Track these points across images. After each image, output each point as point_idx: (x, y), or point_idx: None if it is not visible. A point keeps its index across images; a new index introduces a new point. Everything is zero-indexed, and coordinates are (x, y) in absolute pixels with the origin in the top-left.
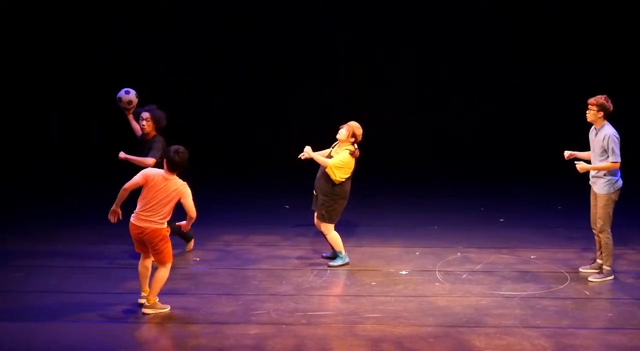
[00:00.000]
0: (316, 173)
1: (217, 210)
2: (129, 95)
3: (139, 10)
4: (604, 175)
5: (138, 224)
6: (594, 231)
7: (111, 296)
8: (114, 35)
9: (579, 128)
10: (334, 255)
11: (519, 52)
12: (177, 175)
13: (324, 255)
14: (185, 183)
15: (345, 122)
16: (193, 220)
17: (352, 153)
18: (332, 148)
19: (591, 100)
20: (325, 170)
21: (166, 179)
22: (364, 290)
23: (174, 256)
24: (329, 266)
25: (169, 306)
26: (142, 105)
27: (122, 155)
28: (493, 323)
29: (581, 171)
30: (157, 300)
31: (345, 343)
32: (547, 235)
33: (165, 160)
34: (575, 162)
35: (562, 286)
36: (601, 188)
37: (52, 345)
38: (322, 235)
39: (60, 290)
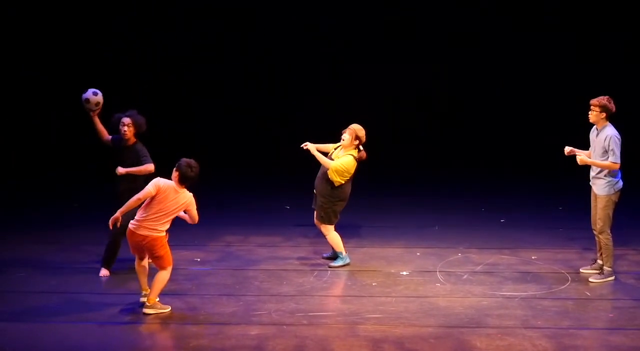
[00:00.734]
0: (316, 173)
1: (218, 211)
2: (97, 96)
3: (139, 10)
4: (604, 176)
5: (140, 233)
6: (594, 232)
7: (112, 296)
8: (114, 35)
9: (581, 128)
10: (335, 256)
11: (519, 49)
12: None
13: (325, 255)
14: (192, 194)
15: (345, 125)
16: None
17: (356, 158)
18: (335, 149)
19: (594, 101)
20: (327, 171)
21: (177, 192)
22: (365, 290)
23: (175, 257)
24: (330, 267)
25: (170, 307)
26: (121, 109)
27: (120, 170)
28: (494, 323)
29: (580, 163)
30: (158, 300)
31: (346, 344)
32: (548, 236)
33: (178, 173)
34: (577, 155)
35: (563, 286)
36: (601, 189)
37: (53, 346)
38: (322, 235)
39: (62, 290)
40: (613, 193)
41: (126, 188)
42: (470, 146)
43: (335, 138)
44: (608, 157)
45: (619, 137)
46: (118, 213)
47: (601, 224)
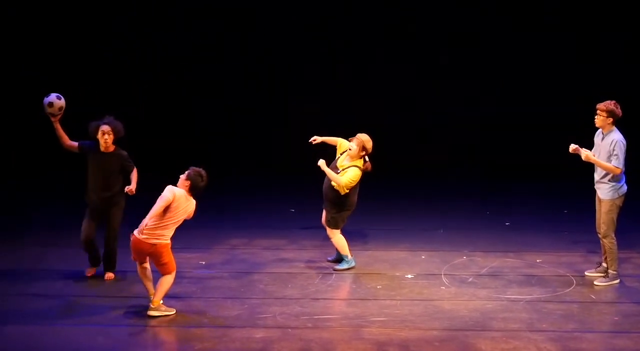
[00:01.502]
0: (320, 175)
1: (223, 214)
2: (61, 101)
3: (139, 10)
4: (608, 180)
5: (148, 242)
6: (598, 235)
7: (116, 299)
8: (114, 36)
9: (585, 129)
10: (339, 259)
11: (522, 48)
12: None
13: (329, 258)
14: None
15: (346, 125)
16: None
17: (362, 169)
18: (340, 155)
19: (600, 106)
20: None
21: (187, 199)
22: (369, 293)
23: (179, 260)
24: (335, 270)
25: (174, 309)
26: (121, 110)
27: (131, 189)
28: (499, 326)
29: (585, 159)
30: (162, 302)
31: (351, 347)
32: (552, 239)
33: (189, 183)
34: (582, 151)
35: (568, 290)
36: (605, 193)
37: (57, 348)
38: (327, 237)
39: (66, 293)
40: (617, 198)
41: (106, 196)
42: (475, 148)
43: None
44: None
45: (624, 142)
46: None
47: (605, 228)
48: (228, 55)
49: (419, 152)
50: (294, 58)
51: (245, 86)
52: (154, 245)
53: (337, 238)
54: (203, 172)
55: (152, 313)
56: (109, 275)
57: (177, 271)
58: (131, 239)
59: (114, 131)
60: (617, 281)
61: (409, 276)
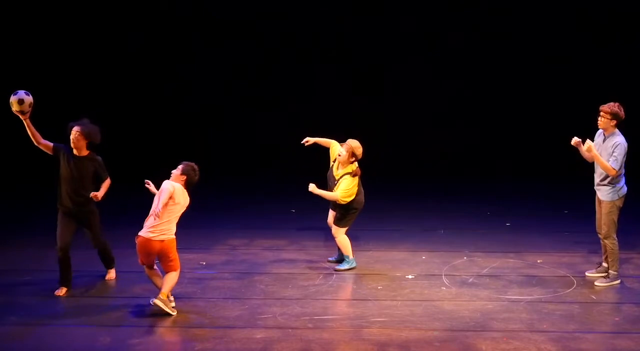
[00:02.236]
0: (322, 175)
1: (223, 214)
2: (30, 97)
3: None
4: (608, 183)
5: (157, 239)
6: (599, 235)
7: (119, 300)
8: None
9: (588, 133)
10: (340, 259)
11: (521, 51)
12: None
13: (330, 259)
14: None
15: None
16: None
17: (353, 175)
18: (333, 162)
19: (604, 108)
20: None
21: (184, 193)
22: (370, 294)
23: (180, 260)
24: (336, 270)
25: (176, 311)
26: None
27: (96, 194)
28: (499, 327)
29: (586, 149)
30: (172, 300)
31: (352, 347)
32: (553, 239)
33: (185, 178)
34: (587, 141)
35: (569, 290)
36: (605, 195)
37: (58, 349)
38: (329, 238)
39: (68, 294)
40: (617, 199)
41: (80, 202)
42: (476, 150)
43: (338, 139)
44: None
45: (626, 146)
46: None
47: (606, 229)
48: (230, 59)
49: (421, 153)
50: (299, 58)
51: (250, 86)
52: (163, 241)
53: (342, 238)
54: (195, 166)
55: (157, 302)
56: (111, 275)
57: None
58: (137, 241)
59: (84, 133)
60: (618, 281)
61: (410, 276)
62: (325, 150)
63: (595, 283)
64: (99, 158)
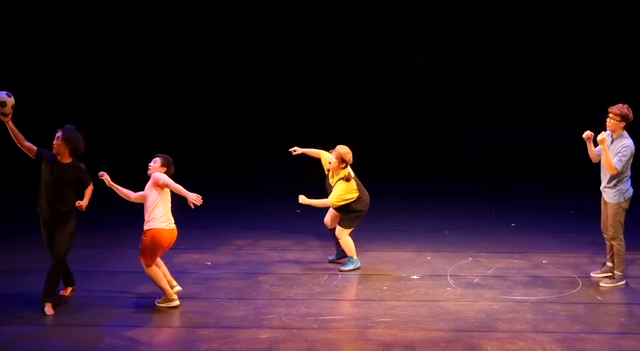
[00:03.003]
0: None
1: (228, 215)
2: (12, 98)
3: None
4: (614, 185)
5: (174, 226)
6: (604, 236)
7: (122, 300)
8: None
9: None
10: (339, 257)
11: (521, 51)
12: None
13: (330, 258)
14: None
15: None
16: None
17: (346, 180)
18: (327, 172)
19: (613, 109)
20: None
21: None
22: (375, 294)
23: (185, 260)
24: (341, 270)
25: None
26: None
27: (82, 204)
28: (504, 327)
29: (599, 140)
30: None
31: (357, 348)
32: (558, 240)
33: (166, 169)
34: (603, 132)
35: (574, 291)
36: (611, 197)
37: (64, 349)
38: (333, 238)
39: (72, 293)
40: (623, 201)
41: (57, 211)
42: (481, 150)
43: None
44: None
45: (634, 148)
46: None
47: (613, 231)
48: (230, 60)
49: (425, 153)
50: (294, 58)
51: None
52: (175, 228)
53: (346, 239)
54: (170, 158)
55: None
56: (67, 291)
57: (182, 273)
58: (164, 234)
59: (65, 139)
60: (623, 282)
61: (415, 277)
62: (309, 160)
63: (601, 284)
64: (83, 165)
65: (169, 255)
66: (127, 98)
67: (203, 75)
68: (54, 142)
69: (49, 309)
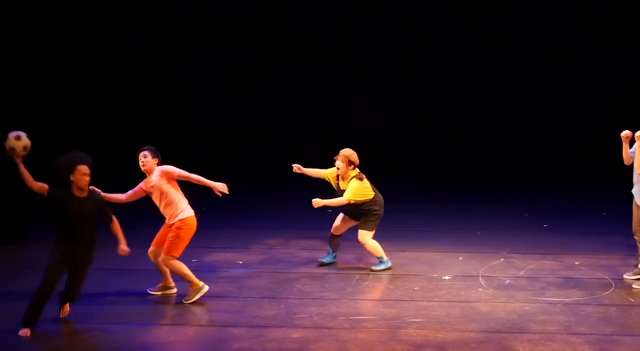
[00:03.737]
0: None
1: (259, 215)
2: (28, 141)
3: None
4: None
5: None
6: (635, 237)
7: (151, 297)
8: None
9: (589, 132)
10: (333, 261)
11: (522, 51)
12: None
13: (322, 260)
14: None
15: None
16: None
17: (359, 178)
18: (337, 181)
19: None
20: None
21: None
22: (406, 294)
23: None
24: (372, 270)
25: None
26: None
27: (127, 250)
28: (536, 329)
29: (637, 138)
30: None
31: (388, 348)
32: (591, 241)
33: (158, 160)
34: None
35: (607, 292)
36: None
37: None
38: (331, 243)
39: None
40: None
41: (82, 250)
42: (513, 152)
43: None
44: None
45: None
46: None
47: None
48: (227, 53)
49: (458, 155)
50: (294, 58)
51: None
52: None
53: (371, 242)
54: (154, 148)
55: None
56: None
57: (214, 271)
58: (195, 220)
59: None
60: None
61: (447, 277)
62: (311, 179)
63: (634, 286)
64: (99, 195)
65: (201, 254)
66: (127, 98)
67: (203, 75)
68: (83, 177)
69: (26, 332)
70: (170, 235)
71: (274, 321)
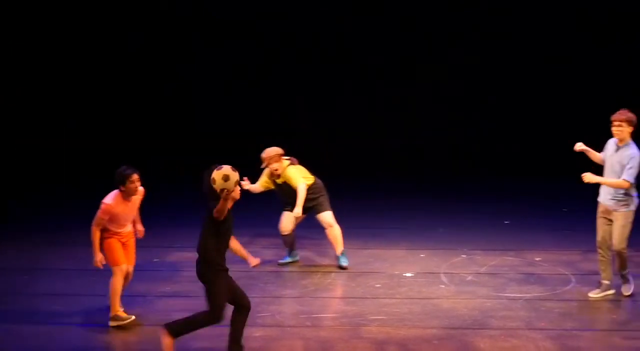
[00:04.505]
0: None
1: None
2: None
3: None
4: (625, 193)
5: None
6: (599, 251)
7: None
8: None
9: (588, 132)
10: (292, 260)
11: (522, 51)
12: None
13: (281, 261)
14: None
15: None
16: None
17: (292, 164)
18: (276, 183)
19: (619, 117)
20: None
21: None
22: (368, 292)
23: (178, 259)
24: (279, 263)
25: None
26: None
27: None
28: (498, 325)
29: (587, 181)
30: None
31: (350, 346)
32: (552, 237)
33: None
34: (582, 175)
35: (567, 288)
36: (621, 207)
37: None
38: (287, 243)
39: (64, 292)
40: (632, 210)
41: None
42: (473, 148)
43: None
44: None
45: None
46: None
47: (619, 241)
48: (227, 53)
49: (418, 152)
50: (294, 58)
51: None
52: None
53: (337, 225)
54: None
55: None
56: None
57: (176, 271)
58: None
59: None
60: (613, 291)
61: (408, 274)
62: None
63: (590, 295)
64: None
65: (163, 253)
66: (127, 98)
67: (203, 74)
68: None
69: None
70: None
71: None
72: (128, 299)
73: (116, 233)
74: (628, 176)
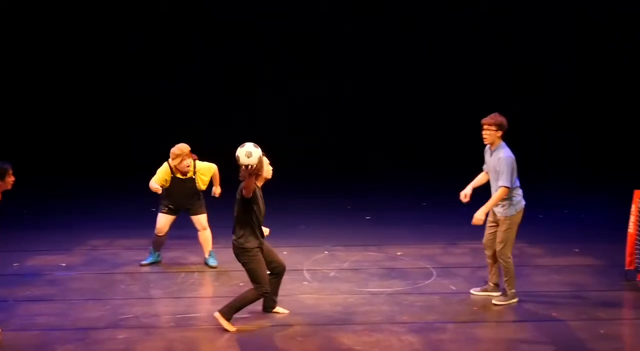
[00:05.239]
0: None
1: (82, 215)
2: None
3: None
4: (505, 199)
5: None
6: (486, 251)
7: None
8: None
9: (589, 132)
10: (156, 259)
11: (521, 51)
12: None
13: (143, 262)
14: None
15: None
16: None
17: (196, 158)
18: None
19: (487, 120)
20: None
21: None
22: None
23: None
24: (141, 264)
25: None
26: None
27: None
28: (361, 320)
29: (475, 223)
30: None
31: (214, 345)
32: (413, 232)
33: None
34: (473, 222)
35: (428, 281)
36: (503, 212)
37: None
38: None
39: None
40: (515, 214)
41: None
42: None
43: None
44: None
45: (513, 157)
46: None
47: (502, 246)
48: (227, 53)
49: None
50: (294, 58)
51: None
52: None
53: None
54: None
55: None
56: None
57: (37, 275)
58: None
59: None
60: (516, 300)
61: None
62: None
63: (493, 302)
64: None
65: (23, 257)
66: (128, 98)
67: (203, 74)
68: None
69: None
70: None
71: (99, 322)
72: None
73: None
74: (503, 182)
